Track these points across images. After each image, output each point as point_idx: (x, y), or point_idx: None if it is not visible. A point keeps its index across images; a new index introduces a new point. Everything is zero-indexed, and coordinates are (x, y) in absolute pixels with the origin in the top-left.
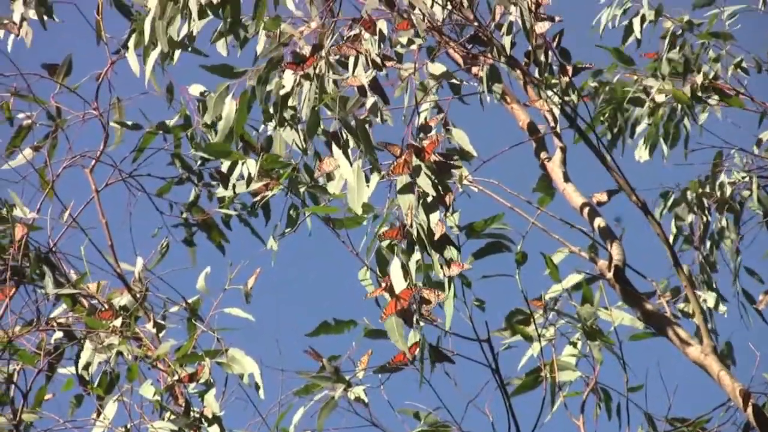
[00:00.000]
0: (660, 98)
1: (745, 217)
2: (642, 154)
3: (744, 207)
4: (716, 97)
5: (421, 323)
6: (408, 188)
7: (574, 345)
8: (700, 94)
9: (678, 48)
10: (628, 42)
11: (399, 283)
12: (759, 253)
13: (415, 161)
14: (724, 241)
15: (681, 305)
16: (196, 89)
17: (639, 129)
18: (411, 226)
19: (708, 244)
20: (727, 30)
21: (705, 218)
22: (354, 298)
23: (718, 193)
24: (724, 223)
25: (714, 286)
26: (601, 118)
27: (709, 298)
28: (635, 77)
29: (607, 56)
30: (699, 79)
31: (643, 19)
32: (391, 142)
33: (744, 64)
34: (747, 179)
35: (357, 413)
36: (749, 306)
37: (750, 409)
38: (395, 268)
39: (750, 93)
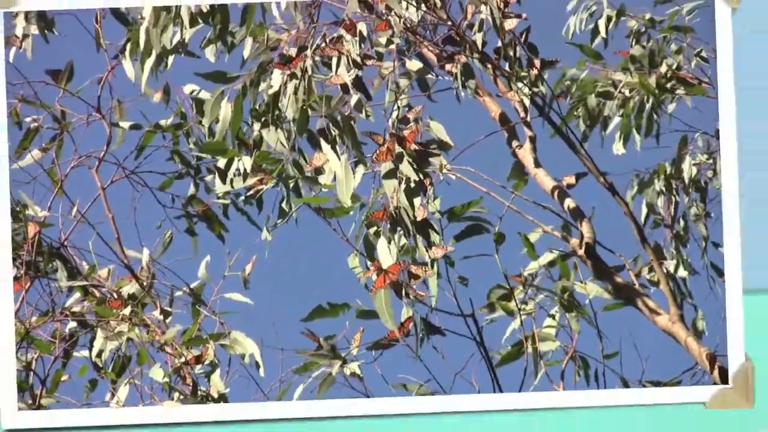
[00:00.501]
0: (628, 91)
1: (711, 195)
2: (618, 147)
3: (708, 186)
4: (682, 87)
5: (412, 296)
6: (391, 174)
7: (553, 317)
8: (668, 85)
9: (642, 44)
10: (595, 42)
11: (386, 259)
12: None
13: (398, 149)
14: (691, 218)
15: (648, 276)
16: (189, 88)
17: (612, 124)
18: (397, 207)
19: (678, 222)
20: (687, 24)
21: (674, 198)
22: (344, 285)
23: (685, 175)
24: (691, 203)
25: (686, 259)
26: (575, 113)
27: (671, 266)
28: (603, 71)
29: (577, 54)
30: (663, 69)
31: (608, 20)
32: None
33: (704, 54)
34: (710, 161)
35: (353, 387)
36: (717, 278)
37: (716, 372)
38: (382, 245)
39: (711, 81)
